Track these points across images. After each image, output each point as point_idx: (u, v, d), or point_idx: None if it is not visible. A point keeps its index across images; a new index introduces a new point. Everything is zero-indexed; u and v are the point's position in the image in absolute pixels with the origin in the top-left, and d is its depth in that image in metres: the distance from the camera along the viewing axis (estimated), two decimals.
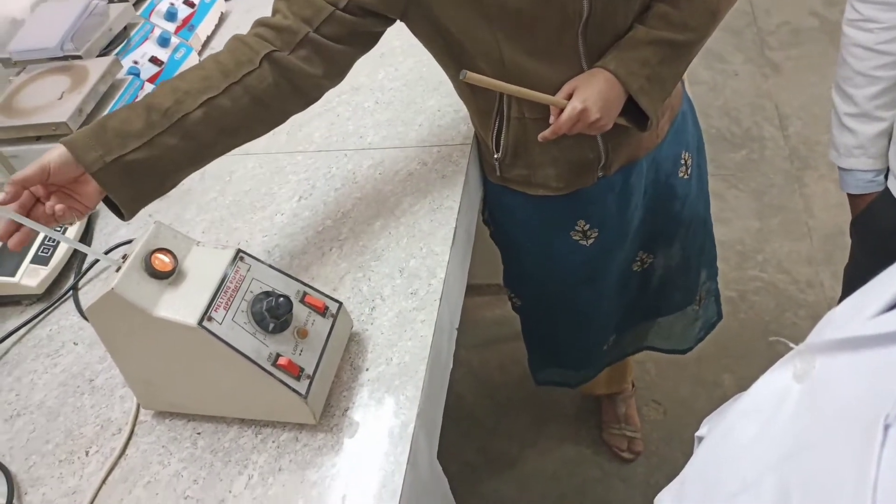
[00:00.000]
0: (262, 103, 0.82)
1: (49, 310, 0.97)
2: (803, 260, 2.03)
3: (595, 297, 1.24)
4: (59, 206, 0.75)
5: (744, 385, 1.77)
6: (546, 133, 0.91)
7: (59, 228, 1.01)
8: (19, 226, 0.73)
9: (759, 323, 1.91)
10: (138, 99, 1.09)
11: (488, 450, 1.79)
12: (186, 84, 0.79)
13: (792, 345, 0.47)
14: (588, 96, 0.87)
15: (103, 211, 1.10)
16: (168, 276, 0.71)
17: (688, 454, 1.85)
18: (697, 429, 1.91)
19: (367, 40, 0.89)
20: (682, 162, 1.14)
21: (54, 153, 0.74)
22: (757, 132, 2.42)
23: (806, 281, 1.98)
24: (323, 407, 0.77)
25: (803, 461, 0.39)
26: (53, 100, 1.07)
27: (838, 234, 2.05)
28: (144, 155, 0.76)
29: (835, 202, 2.12)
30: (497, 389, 1.92)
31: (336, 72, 0.87)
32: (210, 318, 0.69)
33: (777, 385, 0.46)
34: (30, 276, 0.96)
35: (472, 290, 2.11)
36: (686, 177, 1.16)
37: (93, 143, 0.74)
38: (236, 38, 0.84)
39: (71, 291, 0.98)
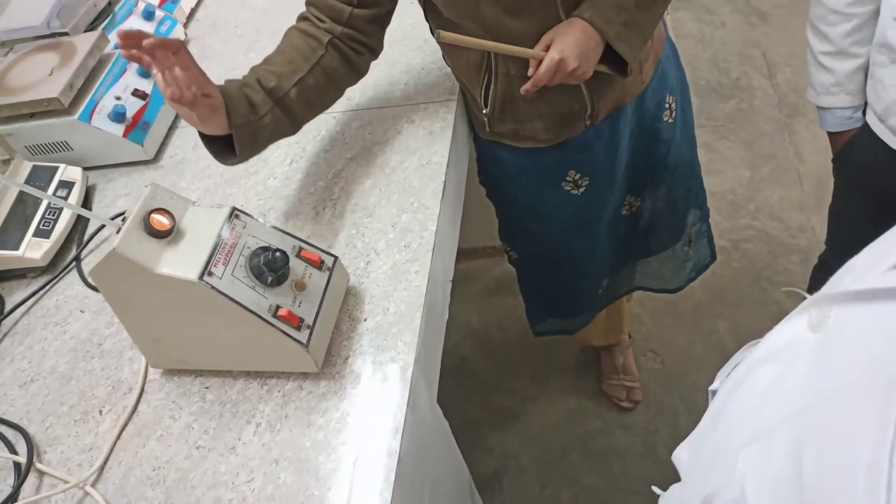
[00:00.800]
0: (333, 81, 0.95)
1: (54, 281, 0.99)
2: (795, 206, 2.05)
3: (588, 244, 1.27)
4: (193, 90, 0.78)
5: (739, 332, 1.81)
6: (527, 86, 0.92)
7: (58, 205, 1.04)
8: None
9: (752, 270, 1.94)
10: (128, 71, 1.11)
11: (491, 406, 1.84)
12: (279, 68, 0.90)
13: (807, 294, 0.46)
14: (565, 46, 0.88)
15: (101, 184, 1.12)
16: (167, 236, 0.73)
17: (686, 400, 1.89)
18: (695, 376, 1.93)
19: (387, 16, 0.99)
20: (667, 106, 1.16)
21: (218, 99, 0.81)
22: (746, 82, 2.42)
23: (798, 226, 2.01)
24: (324, 356, 0.80)
25: (818, 415, 0.39)
26: (44, 76, 1.08)
27: (829, 179, 2.04)
28: (267, 122, 0.88)
29: (825, 147, 2.09)
30: (497, 348, 1.96)
31: (374, 49, 1.00)
32: (210, 273, 0.71)
33: (792, 335, 0.46)
34: (33, 249, 0.98)
35: (468, 252, 2.14)
36: (671, 120, 1.17)
37: (242, 102, 0.85)
38: (297, 29, 0.94)
39: (74, 262, 1.01)
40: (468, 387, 1.87)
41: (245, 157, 0.89)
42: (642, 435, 1.70)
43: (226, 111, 0.82)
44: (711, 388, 0.63)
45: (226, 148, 0.87)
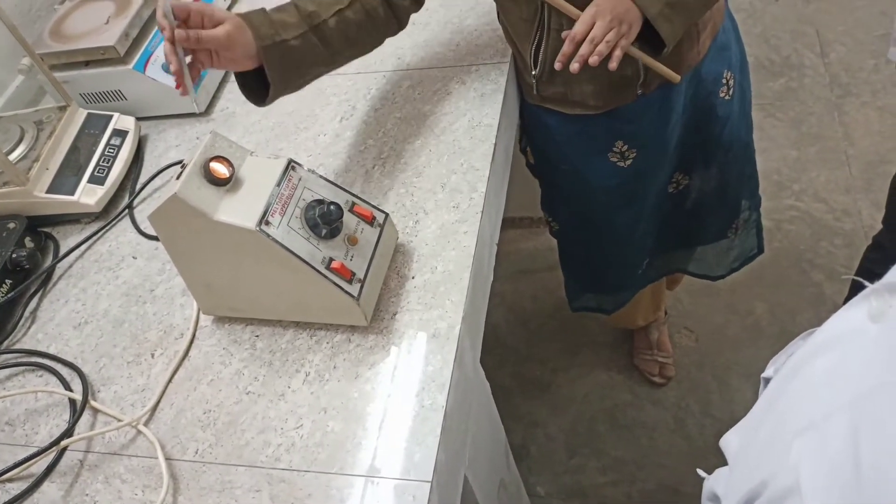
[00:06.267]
0: (373, 22, 0.94)
1: (108, 227, 1.01)
2: (841, 188, 2.01)
3: (631, 219, 1.25)
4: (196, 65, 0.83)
5: (776, 314, 1.78)
6: (565, 48, 0.88)
7: (110, 153, 1.05)
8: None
9: (793, 252, 1.91)
10: None
11: (521, 375, 1.84)
12: None
13: (867, 283, 0.46)
14: (600, 3, 0.86)
15: (153, 134, 1.14)
16: (226, 184, 0.74)
17: (719, 379, 1.87)
18: (729, 355, 1.91)
19: None
20: (724, 81, 1.13)
21: (237, 29, 0.81)
22: (797, 60, 2.36)
23: (843, 209, 1.96)
24: (373, 310, 0.81)
25: (877, 402, 0.39)
26: (100, 25, 1.09)
27: (879, 163, 2.02)
28: (298, 44, 0.86)
29: (876, 130, 2.07)
30: (530, 318, 1.96)
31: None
32: (267, 223, 0.72)
33: (851, 324, 0.45)
34: (88, 195, 1.00)
35: (505, 222, 2.13)
36: (728, 97, 1.15)
37: (266, 23, 0.84)
38: None
39: (127, 209, 1.02)
40: (499, 355, 1.88)
41: (279, 88, 0.87)
42: (673, 411, 1.70)
43: (252, 35, 0.82)
44: (764, 375, 0.62)
45: (259, 88, 0.87)
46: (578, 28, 0.86)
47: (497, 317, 1.96)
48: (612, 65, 0.87)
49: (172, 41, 0.78)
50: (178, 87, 0.81)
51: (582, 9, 0.88)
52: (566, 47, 0.88)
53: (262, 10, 0.87)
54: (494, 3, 1.05)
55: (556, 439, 1.72)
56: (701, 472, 0.67)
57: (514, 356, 1.88)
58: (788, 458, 0.44)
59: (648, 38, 0.90)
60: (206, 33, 0.79)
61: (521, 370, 1.85)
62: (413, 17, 1.21)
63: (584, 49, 0.86)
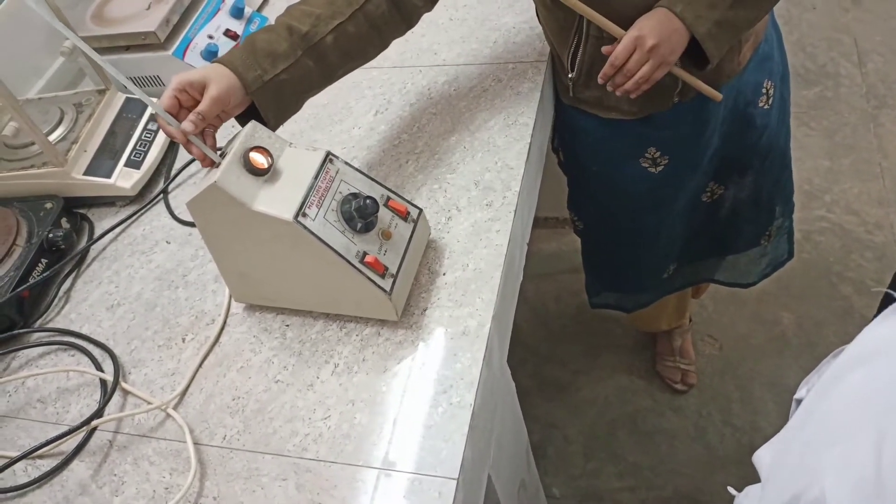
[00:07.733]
0: (377, 29, 0.88)
1: (142, 211, 1.03)
2: (873, 201, 1.98)
3: (658, 224, 1.24)
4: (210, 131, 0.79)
5: (803, 325, 1.75)
6: (605, 69, 0.89)
7: (147, 137, 1.07)
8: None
9: (822, 263, 1.88)
10: (221, 11, 1.12)
11: (541, 375, 1.84)
12: (318, 9, 0.84)
13: None
14: (644, 25, 0.86)
15: None
16: (264, 174, 0.74)
17: (742, 388, 1.85)
18: (753, 365, 1.88)
19: None
20: (764, 91, 1.11)
21: (222, 83, 0.77)
22: (833, 69, 2.32)
23: (875, 222, 1.93)
24: (404, 305, 0.81)
25: None
26: (141, 10, 1.10)
27: None
28: (289, 75, 0.81)
29: None
30: (552, 319, 1.95)
31: None
32: (304, 215, 0.73)
33: (881, 336, 0.46)
34: (124, 179, 1.02)
35: None
36: (767, 107, 1.13)
37: (251, 62, 0.79)
38: None
39: (162, 194, 1.03)
40: (519, 355, 1.87)
41: (273, 124, 0.83)
42: (693, 418, 1.68)
43: (238, 81, 0.78)
44: (796, 396, 0.62)
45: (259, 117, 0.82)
46: (619, 52, 0.88)
47: (518, 316, 1.93)
48: (633, 96, 0.92)
49: (186, 140, 0.75)
50: (204, 165, 0.77)
51: (625, 17, 0.87)
52: (607, 69, 0.90)
53: (248, 41, 0.81)
54: (534, 1, 1.04)
55: (573, 442, 1.71)
56: (732, 490, 0.66)
57: (534, 357, 1.87)
58: (819, 473, 0.44)
59: (691, 52, 0.89)
60: (203, 108, 0.75)
61: (541, 371, 1.85)
62: (450, 13, 1.22)
63: (618, 79, 0.90)
